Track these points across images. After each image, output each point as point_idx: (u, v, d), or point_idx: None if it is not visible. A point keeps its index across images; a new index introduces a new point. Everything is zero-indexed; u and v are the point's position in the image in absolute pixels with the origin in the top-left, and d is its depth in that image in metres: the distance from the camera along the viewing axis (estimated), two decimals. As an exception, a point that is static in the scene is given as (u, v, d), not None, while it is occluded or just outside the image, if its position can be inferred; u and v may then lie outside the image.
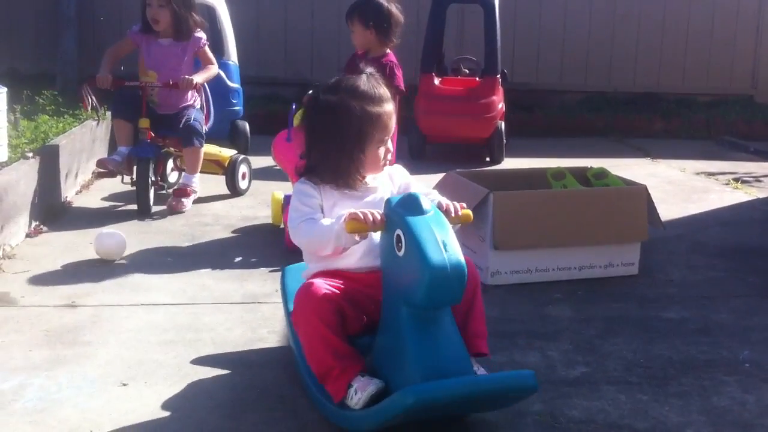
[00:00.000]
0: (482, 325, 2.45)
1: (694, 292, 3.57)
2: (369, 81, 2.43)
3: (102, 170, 4.68)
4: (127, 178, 4.67)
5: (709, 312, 3.34)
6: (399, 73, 4.20)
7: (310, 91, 2.51)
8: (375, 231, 2.30)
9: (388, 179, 2.56)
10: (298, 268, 2.84)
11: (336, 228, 2.30)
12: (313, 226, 2.37)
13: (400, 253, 2.20)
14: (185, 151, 4.71)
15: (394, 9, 4.15)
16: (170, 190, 4.87)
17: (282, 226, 4.16)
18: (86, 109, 5.16)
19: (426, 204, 2.24)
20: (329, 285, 2.33)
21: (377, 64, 3.95)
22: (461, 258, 2.15)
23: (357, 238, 2.31)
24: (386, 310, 2.30)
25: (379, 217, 2.27)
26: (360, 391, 2.25)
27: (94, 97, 4.92)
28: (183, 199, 4.65)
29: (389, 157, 2.49)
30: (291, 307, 2.70)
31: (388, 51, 4.21)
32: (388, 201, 2.30)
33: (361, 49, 4.23)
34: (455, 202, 2.41)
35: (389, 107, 2.43)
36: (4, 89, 1.77)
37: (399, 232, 2.20)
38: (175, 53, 4.69)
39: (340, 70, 4.24)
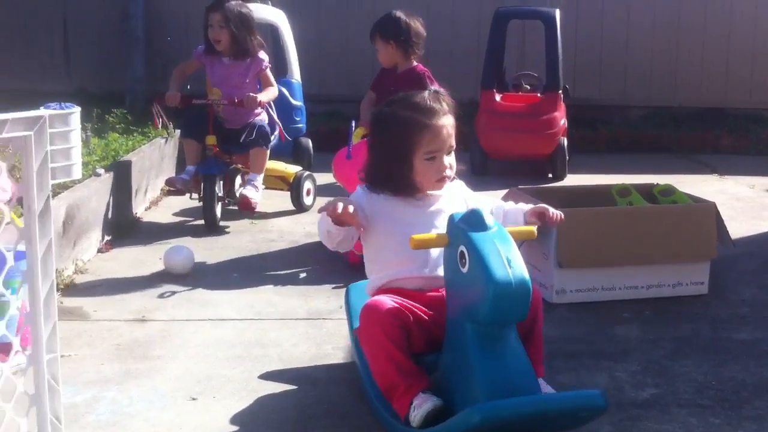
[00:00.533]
0: (540, 351, 2.43)
1: (766, 312, 3.48)
2: (428, 95, 2.47)
3: (171, 189, 4.78)
4: (195, 195, 4.77)
5: (782, 333, 3.25)
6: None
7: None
8: (344, 224, 2.37)
9: (454, 192, 2.56)
10: (363, 286, 2.85)
11: (324, 224, 2.41)
12: (321, 220, 2.45)
13: (465, 270, 2.19)
14: (251, 152, 4.76)
15: (413, 22, 4.16)
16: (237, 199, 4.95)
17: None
18: (157, 127, 5.28)
19: (489, 220, 2.23)
20: (395, 301, 2.34)
21: (412, 75, 4.08)
22: (526, 274, 2.14)
23: (335, 228, 2.39)
24: (451, 327, 2.29)
25: (350, 210, 2.34)
26: (417, 408, 2.25)
27: (164, 116, 5.02)
28: (250, 193, 4.68)
29: (447, 172, 2.46)
30: (355, 324, 2.72)
31: (416, 63, 4.21)
32: (451, 217, 2.29)
33: (388, 65, 4.23)
34: (556, 211, 2.50)
35: (443, 121, 2.43)
36: (78, 108, 1.83)
37: (462, 248, 2.20)
38: (237, 72, 4.79)
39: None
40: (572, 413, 2.21)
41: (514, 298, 2.11)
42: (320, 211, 2.41)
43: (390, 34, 4.13)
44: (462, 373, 2.23)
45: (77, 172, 1.90)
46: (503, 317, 2.16)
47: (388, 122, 2.47)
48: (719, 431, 2.44)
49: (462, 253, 2.19)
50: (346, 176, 4.07)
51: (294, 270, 3.97)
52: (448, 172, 2.47)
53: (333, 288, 3.67)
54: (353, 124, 4.10)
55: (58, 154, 1.84)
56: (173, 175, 5.78)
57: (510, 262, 2.13)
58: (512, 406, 2.10)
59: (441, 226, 2.39)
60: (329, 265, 4.00)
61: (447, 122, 2.45)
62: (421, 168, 2.43)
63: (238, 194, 4.79)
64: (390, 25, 4.15)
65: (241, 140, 4.72)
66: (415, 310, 2.35)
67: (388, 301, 2.33)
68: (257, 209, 4.76)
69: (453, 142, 2.47)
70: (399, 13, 4.15)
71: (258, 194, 4.74)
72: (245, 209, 4.71)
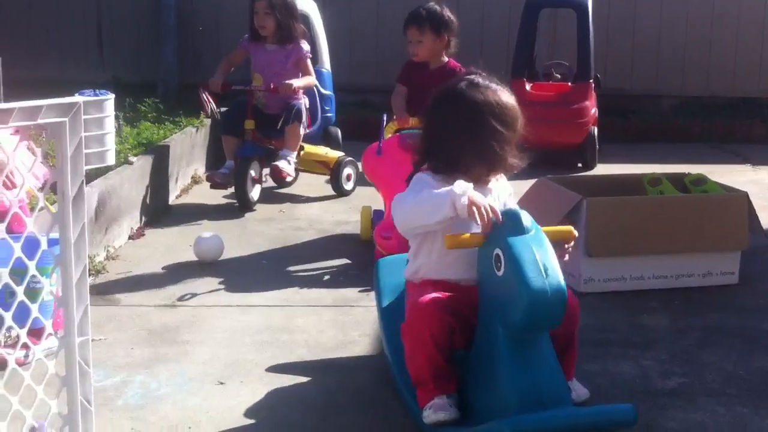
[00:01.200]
0: (573, 367, 2.38)
1: (797, 303, 3.45)
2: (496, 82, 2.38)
3: (213, 183, 4.89)
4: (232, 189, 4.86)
5: (813, 324, 3.21)
6: None
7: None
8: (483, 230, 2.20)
9: (503, 186, 2.48)
10: (393, 262, 2.79)
11: (450, 198, 2.17)
12: (420, 193, 2.24)
13: (500, 273, 2.14)
14: (286, 129, 4.88)
15: (454, 16, 4.12)
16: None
17: (371, 240, 3.96)
18: (206, 112, 5.28)
19: (527, 221, 2.17)
20: (446, 303, 2.26)
21: (448, 71, 3.93)
22: (562, 282, 2.09)
23: (449, 219, 2.21)
24: (482, 327, 2.26)
25: (493, 211, 2.16)
26: (434, 410, 2.24)
27: (213, 102, 5.03)
28: (281, 164, 4.79)
29: (514, 162, 2.36)
30: (384, 302, 2.70)
31: (448, 58, 4.14)
32: None
33: (426, 59, 4.12)
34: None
35: (514, 104, 2.35)
36: (112, 95, 1.84)
37: (498, 251, 2.14)
38: (278, 59, 4.96)
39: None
40: (602, 427, 2.17)
41: (548, 306, 2.07)
42: (460, 200, 2.16)
43: (441, 27, 4.04)
44: (490, 376, 2.20)
45: (111, 158, 1.92)
46: (536, 324, 2.12)
47: (459, 102, 2.32)
48: (747, 421, 2.43)
49: (498, 255, 2.15)
50: (376, 172, 3.99)
51: (322, 258, 3.99)
52: (514, 161, 2.37)
53: (360, 275, 3.68)
54: (384, 119, 4.02)
55: (92, 140, 1.87)
56: (205, 164, 5.84)
57: (546, 270, 2.08)
58: (543, 421, 2.06)
59: None
60: (357, 253, 4.02)
61: (516, 107, 2.37)
62: (488, 150, 2.30)
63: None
64: (438, 17, 4.06)
65: (279, 125, 4.85)
66: (465, 310, 2.28)
67: (440, 301, 2.26)
68: (290, 179, 5.03)
69: None
70: (442, 6, 4.10)
71: (290, 167, 4.88)
72: (277, 176, 4.92)
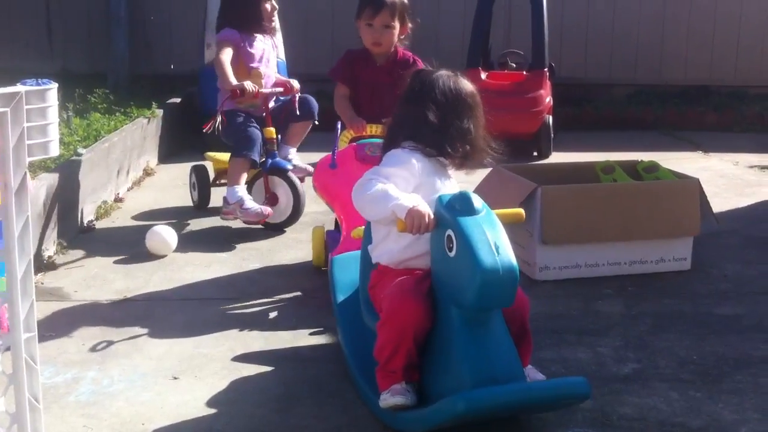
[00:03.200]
0: (528, 354, 2.41)
1: (748, 288, 3.50)
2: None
3: (247, 221, 4.17)
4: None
5: (763, 308, 3.27)
6: None
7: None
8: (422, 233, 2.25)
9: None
10: (348, 259, 2.82)
11: (387, 210, 2.26)
12: (375, 190, 2.29)
13: (452, 254, 2.16)
14: (301, 124, 4.35)
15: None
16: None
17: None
18: (209, 129, 4.18)
19: (478, 203, 2.20)
20: (426, 294, 2.27)
21: (406, 63, 3.56)
22: (513, 261, 2.12)
23: (392, 220, 2.29)
24: (437, 311, 2.27)
25: (427, 223, 2.22)
26: (393, 395, 2.26)
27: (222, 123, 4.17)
28: (302, 164, 4.38)
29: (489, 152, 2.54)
30: (340, 297, 2.71)
31: (396, 49, 3.65)
32: (439, 199, 2.26)
33: (387, 50, 3.61)
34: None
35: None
36: (55, 84, 1.80)
37: (450, 232, 2.17)
38: (270, 48, 4.43)
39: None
40: (556, 400, 2.22)
41: (501, 285, 2.10)
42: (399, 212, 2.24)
43: (407, 16, 3.61)
44: (446, 356, 2.22)
45: (54, 149, 1.87)
46: (489, 303, 2.14)
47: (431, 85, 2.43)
48: (700, 405, 2.46)
49: (449, 237, 2.17)
50: (330, 189, 3.43)
51: (279, 250, 3.96)
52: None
53: (318, 267, 3.66)
54: (339, 127, 3.47)
55: (35, 130, 1.82)
56: (157, 155, 5.75)
57: (498, 249, 2.11)
58: (497, 395, 2.10)
59: None
60: (313, 244, 3.99)
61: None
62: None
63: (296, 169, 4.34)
64: (406, 4, 3.60)
65: (284, 121, 4.34)
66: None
67: (424, 295, 2.27)
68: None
69: None
70: None
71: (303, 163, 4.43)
72: (303, 178, 4.33)
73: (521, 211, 2.40)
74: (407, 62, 3.58)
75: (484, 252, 2.09)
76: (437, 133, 2.39)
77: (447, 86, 2.43)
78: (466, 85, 2.48)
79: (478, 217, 2.17)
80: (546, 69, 6.36)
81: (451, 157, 2.42)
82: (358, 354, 2.54)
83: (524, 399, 2.14)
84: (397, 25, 3.58)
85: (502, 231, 2.18)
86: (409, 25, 3.65)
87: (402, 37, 3.65)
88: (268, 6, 4.36)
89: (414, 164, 2.36)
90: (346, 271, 2.78)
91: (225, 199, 4.13)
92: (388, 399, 2.26)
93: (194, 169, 4.67)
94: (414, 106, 2.43)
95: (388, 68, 3.57)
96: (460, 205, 2.20)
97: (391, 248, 2.44)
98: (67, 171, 4.02)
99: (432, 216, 2.23)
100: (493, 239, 2.12)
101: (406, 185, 2.34)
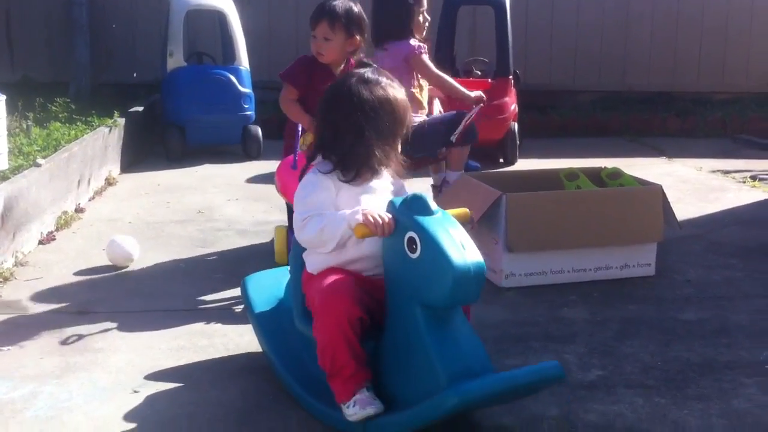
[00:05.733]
0: None
1: (711, 293, 3.52)
2: (387, 76, 2.45)
3: None
4: None
5: (727, 312, 3.28)
6: None
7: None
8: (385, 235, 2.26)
9: (387, 186, 2.50)
10: (260, 277, 2.84)
11: (343, 229, 2.29)
12: (320, 222, 2.32)
13: (414, 255, 2.16)
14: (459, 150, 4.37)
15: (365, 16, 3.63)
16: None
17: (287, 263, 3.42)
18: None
19: (433, 204, 2.23)
20: (353, 282, 2.28)
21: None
22: (480, 257, 2.15)
23: (346, 237, 2.31)
24: (395, 312, 2.26)
25: (388, 221, 2.24)
26: (360, 406, 2.23)
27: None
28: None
29: (401, 158, 2.45)
30: (258, 313, 2.72)
31: (350, 60, 3.60)
32: (392, 203, 2.27)
33: (331, 61, 3.57)
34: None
35: (404, 98, 2.41)
36: (3, 96, 1.76)
37: (412, 234, 2.17)
38: None
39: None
40: (537, 385, 2.25)
41: (471, 282, 2.12)
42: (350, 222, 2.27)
43: (354, 28, 3.54)
44: (413, 358, 2.21)
45: (3, 163, 1.82)
46: (460, 300, 2.17)
47: (352, 99, 2.36)
48: (665, 411, 2.46)
49: (412, 238, 2.17)
50: (290, 189, 3.44)
51: (242, 259, 3.91)
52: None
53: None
54: (300, 129, 3.48)
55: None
56: (119, 164, 5.68)
57: (464, 246, 2.14)
58: (487, 386, 2.11)
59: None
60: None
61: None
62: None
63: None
64: (353, 16, 3.54)
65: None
66: (366, 297, 2.30)
67: (353, 286, 2.27)
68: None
69: None
70: (355, 1, 3.61)
71: None
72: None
73: (467, 210, 2.42)
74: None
75: (453, 251, 2.11)
76: (342, 148, 2.37)
77: (348, 95, 2.37)
78: (368, 91, 2.35)
79: (438, 217, 2.20)
80: (511, 76, 6.38)
81: (343, 169, 2.37)
82: (294, 365, 2.53)
83: (510, 387, 2.16)
84: (338, 37, 3.52)
85: (463, 229, 2.21)
86: (360, 38, 3.57)
87: (350, 50, 3.57)
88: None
89: (323, 179, 2.37)
90: (260, 288, 2.79)
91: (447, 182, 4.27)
92: (359, 412, 2.23)
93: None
94: (323, 119, 2.45)
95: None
96: (416, 206, 2.21)
97: (319, 258, 2.41)
98: (26, 181, 3.94)
99: (388, 214, 2.24)
100: (459, 238, 2.15)
101: (332, 199, 2.36)
